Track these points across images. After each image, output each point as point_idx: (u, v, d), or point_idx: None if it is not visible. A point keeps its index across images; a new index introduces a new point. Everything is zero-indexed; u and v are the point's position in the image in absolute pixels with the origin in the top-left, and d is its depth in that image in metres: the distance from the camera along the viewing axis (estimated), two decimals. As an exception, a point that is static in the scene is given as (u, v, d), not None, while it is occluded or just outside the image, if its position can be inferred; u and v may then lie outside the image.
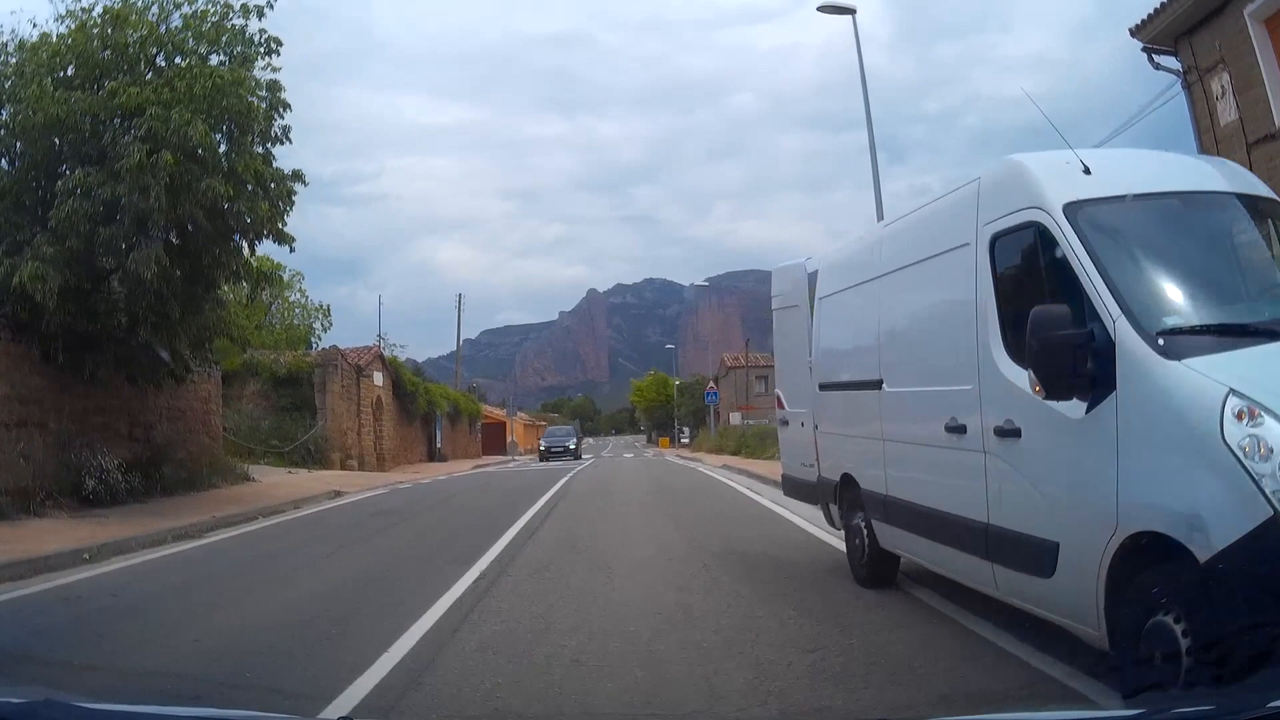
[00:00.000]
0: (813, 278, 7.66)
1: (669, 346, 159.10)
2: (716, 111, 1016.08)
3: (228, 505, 13.70)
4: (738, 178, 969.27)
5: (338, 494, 17.39)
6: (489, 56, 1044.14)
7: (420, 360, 61.32)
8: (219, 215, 12.22)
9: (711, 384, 44.91)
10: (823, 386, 7.20)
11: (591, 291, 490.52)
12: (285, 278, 33.25)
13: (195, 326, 13.69)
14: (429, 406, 37.24)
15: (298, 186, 13.17)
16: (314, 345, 33.93)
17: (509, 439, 57.70)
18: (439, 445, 38.88)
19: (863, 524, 6.45)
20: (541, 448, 43.30)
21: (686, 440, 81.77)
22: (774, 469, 13.69)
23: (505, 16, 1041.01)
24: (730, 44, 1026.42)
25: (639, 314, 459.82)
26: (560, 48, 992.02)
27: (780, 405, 8.49)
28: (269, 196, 12.77)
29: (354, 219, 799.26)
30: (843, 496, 6.95)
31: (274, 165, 12.95)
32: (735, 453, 32.53)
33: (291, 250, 13.50)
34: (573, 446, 42.10)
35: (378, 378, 31.90)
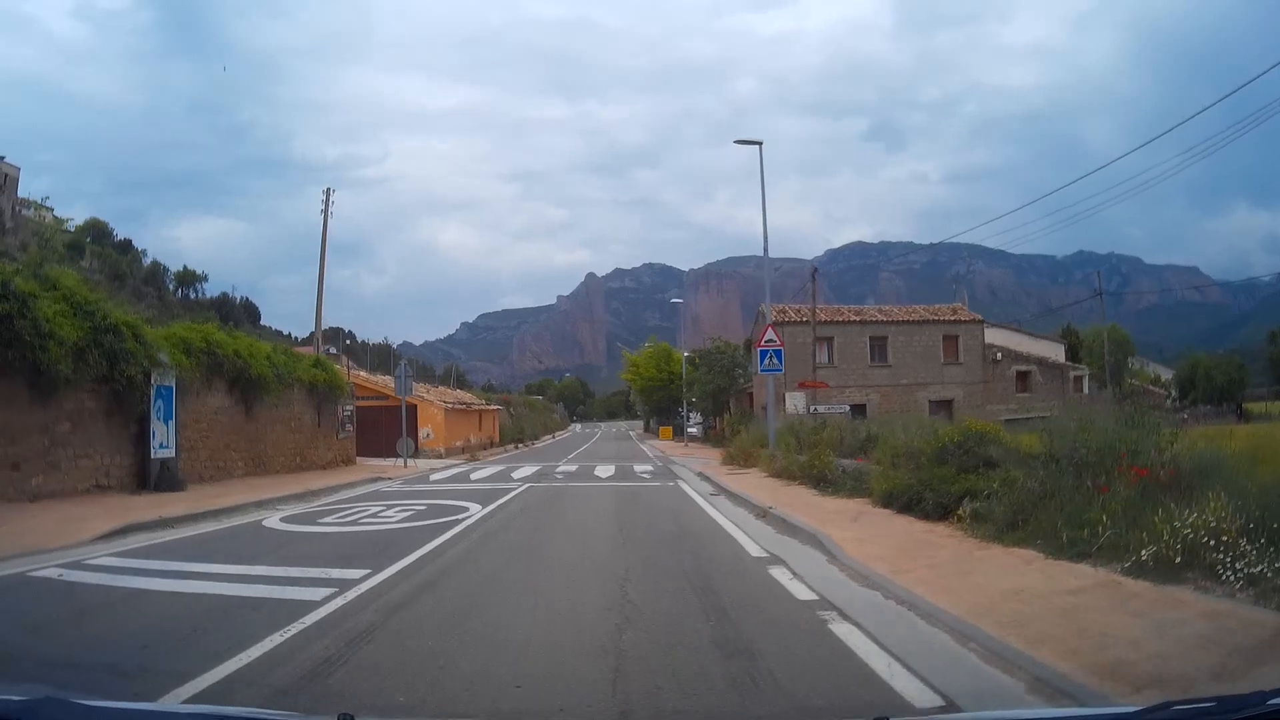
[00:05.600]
0: None
1: (676, 300, 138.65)
2: (718, 96, 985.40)
3: None
4: (738, 162, 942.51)
5: None
6: (492, 39, 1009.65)
7: (417, 344, 39.36)
8: None
9: (771, 335, 23.00)
10: None
11: (590, 275, 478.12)
12: None
13: None
14: (111, 362, 15.34)
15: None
16: None
17: (422, 432, 35.93)
18: (166, 453, 17.03)
19: None
20: None
21: (696, 431, 60.09)
22: None
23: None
24: (732, 29, 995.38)
25: (637, 298, 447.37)
26: (563, 31, 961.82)
27: None
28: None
29: (358, 202, 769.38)
30: None
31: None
32: (908, 507, 10.57)
33: None
34: None
35: None
